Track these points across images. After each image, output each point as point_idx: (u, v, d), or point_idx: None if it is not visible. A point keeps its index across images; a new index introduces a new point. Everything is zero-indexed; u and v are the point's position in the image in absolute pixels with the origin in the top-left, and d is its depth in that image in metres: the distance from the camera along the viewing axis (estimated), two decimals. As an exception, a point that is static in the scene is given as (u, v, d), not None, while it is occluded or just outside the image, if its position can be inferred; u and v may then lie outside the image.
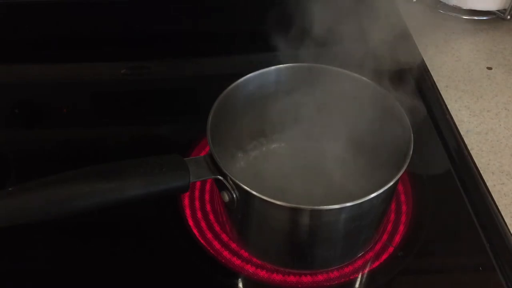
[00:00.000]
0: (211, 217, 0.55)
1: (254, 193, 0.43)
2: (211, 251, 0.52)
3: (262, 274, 0.50)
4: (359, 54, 0.58)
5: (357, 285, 0.51)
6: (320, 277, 0.50)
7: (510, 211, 0.57)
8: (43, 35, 0.78)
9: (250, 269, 0.51)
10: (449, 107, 0.69)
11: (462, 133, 0.65)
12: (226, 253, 0.52)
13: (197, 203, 0.56)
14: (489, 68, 0.78)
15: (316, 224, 0.45)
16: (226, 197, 0.46)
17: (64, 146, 0.64)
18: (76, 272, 0.50)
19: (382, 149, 0.53)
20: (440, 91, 0.71)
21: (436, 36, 0.84)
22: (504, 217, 0.55)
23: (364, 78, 0.54)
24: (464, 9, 0.87)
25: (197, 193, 0.57)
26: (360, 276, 0.51)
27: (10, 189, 0.41)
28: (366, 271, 0.51)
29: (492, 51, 0.81)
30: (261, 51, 0.58)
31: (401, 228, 0.54)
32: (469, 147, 0.63)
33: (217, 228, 0.54)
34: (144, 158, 0.44)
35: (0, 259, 0.51)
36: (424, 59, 0.76)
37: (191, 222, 0.54)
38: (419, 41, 0.80)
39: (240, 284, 0.51)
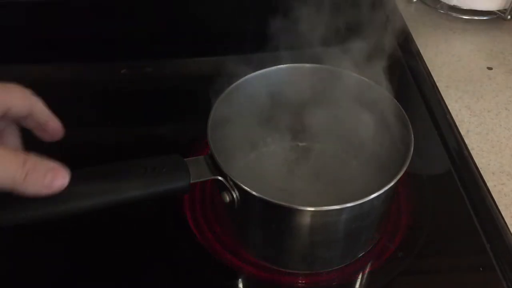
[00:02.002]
0: (211, 217, 0.55)
1: (254, 193, 0.43)
2: (211, 251, 0.52)
3: (262, 274, 0.50)
4: (358, 54, 0.58)
5: (357, 285, 0.51)
6: (320, 278, 0.50)
7: (511, 211, 0.57)
8: (43, 35, 0.78)
9: (250, 269, 0.51)
10: (449, 107, 0.69)
11: (462, 133, 0.65)
12: (226, 254, 0.52)
13: (197, 204, 0.56)
14: (490, 68, 0.78)
15: (317, 224, 0.45)
16: (227, 198, 0.46)
17: (64, 146, 0.63)
18: (76, 273, 0.50)
19: (382, 149, 0.53)
20: (441, 91, 0.71)
21: (436, 36, 0.84)
22: (504, 217, 0.55)
23: (364, 78, 0.54)
24: (465, 9, 0.87)
25: (197, 194, 0.57)
26: (360, 276, 0.51)
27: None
28: (366, 271, 0.51)
29: (493, 51, 0.81)
30: (261, 51, 0.58)
31: (401, 228, 0.54)
32: (469, 147, 0.63)
33: (217, 228, 0.54)
34: (144, 159, 0.44)
35: (0, 259, 0.51)
36: (424, 59, 0.76)
37: (191, 223, 0.54)
38: (419, 41, 0.80)
39: (240, 285, 0.51)
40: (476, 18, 0.87)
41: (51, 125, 0.43)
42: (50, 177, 0.36)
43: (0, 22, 0.78)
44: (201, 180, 0.45)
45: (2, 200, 0.40)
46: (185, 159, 0.45)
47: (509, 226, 0.54)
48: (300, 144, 0.60)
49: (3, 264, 0.51)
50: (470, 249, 0.54)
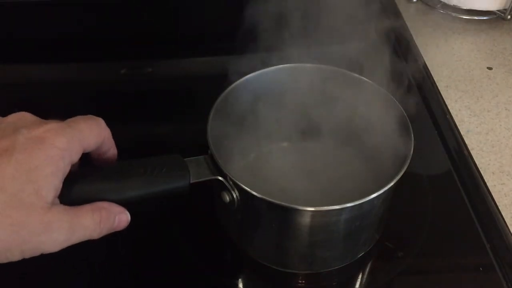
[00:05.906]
0: (211, 217, 0.55)
1: (254, 193, 0.43)
2: (211, 251, 0.52)
3: (262, 274, 0.50)
4: (358, 54, 0.58)
5: (357, 285, 0.51)
6: (320, 278, 0.50)
7: (511, 211, 0.57)
8: (43, 35, 0.78)
9: (250, 269, 0.51)
10: (449, 107, 0.69)
11: (462, 133, 0.65)
12: (226, 254, 0.52)
13: (197, 203, 0.56)
14: (490, 68, 0.78)
15: (317, 224, 0.45)
16: (227, 198, 0.46)
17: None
18: (76, 272, 0.50)
19: (382, 149, 0.53)
20: (440, 91, 0.71)
21: (436, 36, 0.84)
22: (504, 217, 0.55)
23: (364, 78, 0.54)
24: (464, 9, 0.87)
25: (197, 193, 0.57)
26: (360, 276, 0.51)
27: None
28: (366, 271, 0.51)
29: (493, 51, 0.81)
30: (261, 51, 0.58)
31: (401, 228, 0.54)
32: (469, 147, 0.63)
33: (217, 228, 0.54)
34: (144, 159, 0.44)
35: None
36: (424, 59, 0.76)
37: (191, 222, 0.54)
38: (419, 41, 0.80)
39: (240, 285, 0.51)
40: (476, 18, 0.87)
41: (112, 152, 0.43)
42: (117, 222, 0.40)
43: (0, 22, 0.78)
44: (201, 180, 0.45)
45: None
46: (185, 159, 0.45)
47: (509, 226, 0.54)
48: (300, 144, 0.60)
49: (3, 264, 0.51)
50: (470, 249, 0.54)
